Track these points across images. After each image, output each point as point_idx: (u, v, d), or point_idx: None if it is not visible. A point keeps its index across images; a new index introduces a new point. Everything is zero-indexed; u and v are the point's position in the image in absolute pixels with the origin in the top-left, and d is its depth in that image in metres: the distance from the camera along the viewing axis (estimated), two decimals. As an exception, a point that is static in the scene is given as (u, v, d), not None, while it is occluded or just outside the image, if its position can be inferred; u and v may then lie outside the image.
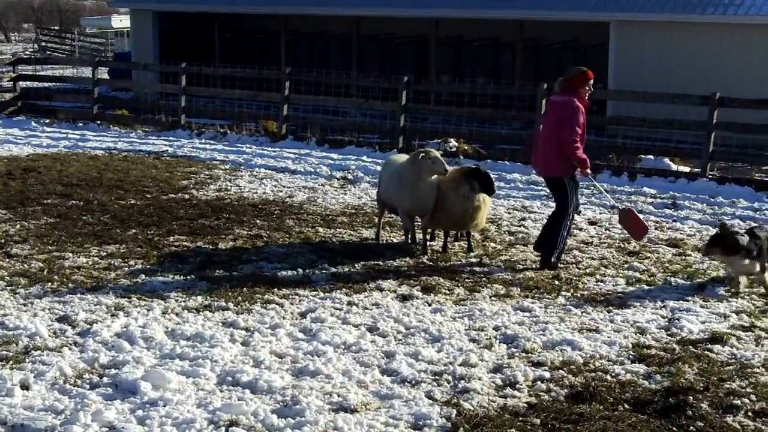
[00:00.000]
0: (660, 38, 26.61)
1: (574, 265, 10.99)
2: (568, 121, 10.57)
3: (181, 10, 35.71)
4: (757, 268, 9.76)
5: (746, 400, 6.92)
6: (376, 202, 12.75)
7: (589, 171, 10.91)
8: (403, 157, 12.08)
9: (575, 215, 11.42)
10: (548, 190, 11.78)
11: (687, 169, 17.68)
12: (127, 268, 10.44)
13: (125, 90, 32.48)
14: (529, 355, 7.93)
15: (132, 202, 14.05)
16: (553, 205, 11.25)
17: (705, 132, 17.07)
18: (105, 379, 7.21)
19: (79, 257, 10.86)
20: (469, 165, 12.21)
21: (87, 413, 6.53)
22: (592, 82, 10.90)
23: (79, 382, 7.19)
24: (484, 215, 11.49)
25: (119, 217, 12.92)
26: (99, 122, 23.64)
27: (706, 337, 8.41)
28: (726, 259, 9.77)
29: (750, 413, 6.74)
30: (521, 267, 10.89)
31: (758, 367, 7.67)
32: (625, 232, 11.60)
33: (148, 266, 10.53)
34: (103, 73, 32.97)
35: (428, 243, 11.61)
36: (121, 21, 50.00)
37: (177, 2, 35.49)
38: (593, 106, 23.78)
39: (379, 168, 17.37)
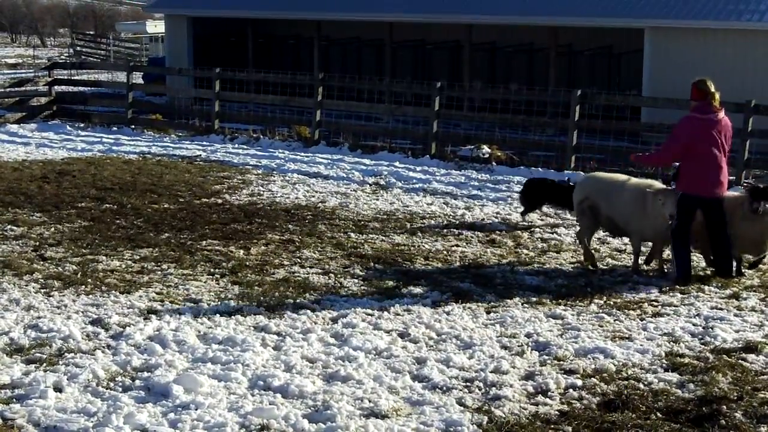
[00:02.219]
0: (695, 45, 26.44)
1: (608, 273, 10.93)
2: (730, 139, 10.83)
3: (215, 16, 35.85)
4: None
5: (781, 410, 6.86)
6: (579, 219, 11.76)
7: None
8: (621, 178, 11.86)
9: None
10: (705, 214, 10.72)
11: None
12: (159, 272, 10.48)
13: (159, 95, 32.61)
14: (561, 362, 7.89)
15: (165, 206, 14.12)
16: None
17: (740, 139, 16.94)
18: (137, 382, 7.24)
19: (112, 260, 10.92)
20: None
21: (119, 416, 6.56)
22: None
23: (111, 384, 7.23)
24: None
25: (152, 221, 12.98)
26: (133, 126, 23.78)
27: (740, 346, 8.34)
28: None
29: (785, 423, 6.68)
30: (554, 274, 10.85)
31: (793, 377, 7.59)
32: None
33: (181, 270, 10.57)
34: (137, 78, 33.07)
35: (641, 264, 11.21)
36: (155, 26, 50.26)
37: (211, 7, 35.64)
38: (627, 112, 23.74)
39: (411, 174, 17.40)
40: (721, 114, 10.66)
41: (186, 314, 8.93)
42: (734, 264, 10.81)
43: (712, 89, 10.61)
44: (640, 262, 11.15)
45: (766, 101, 18.10)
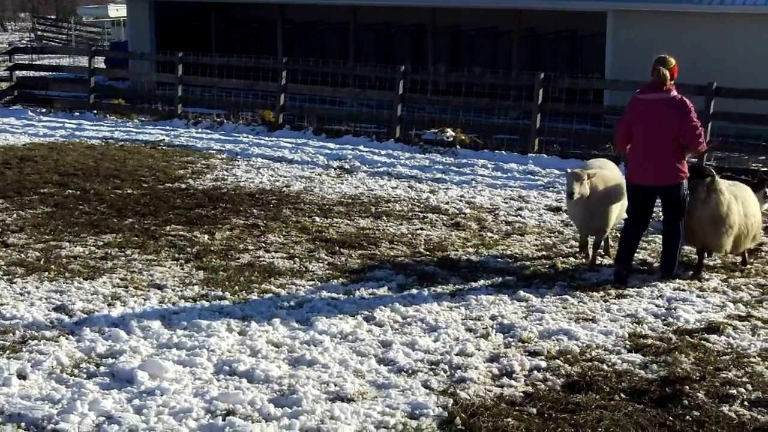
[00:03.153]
0: (657, 28, 26.57)
1: (572, 256, 10.99)
2: (691, 115, 9.82)
3: (178, -1, 35.62)
4: None
5: (742, 390, 6.93)
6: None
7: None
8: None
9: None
10: (645, 203, 10.11)
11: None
12: (123, 258, 10.44)
13: (122, 79, 32.39)
14: (526, 344, 7.94)
15: (129, 191, 14.04)
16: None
17: (702, 122, 17.04)
18: (102, 369, 7.22)
19: (75, 247, 10.86)
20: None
21: (84, 402, 6.54)
22: None
23: (75, 371, 7.20)
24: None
25: (116, 207, 12.91)
26: (95, 112, 23.60)
27: (702, 326, 8.43)
28: None
29: (746, 402, 6.76)
30: (518, 257, 10.90)
31: (754, 357, 7.68)
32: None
33: (145, 256, 10.52)
34: (99, 63, 32.84)
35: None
36: (117, 10, 49.88)
37: (173, -9, 35.39)
38: (590, 95, 23.85)
39: (376, 157, 17.40)
40: (666, 94, 9.82)
41: (150, 300, 8.91)
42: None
43: (660, 66, 9.85)
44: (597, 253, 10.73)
45: (728, 84, 18.23)
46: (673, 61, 9.98)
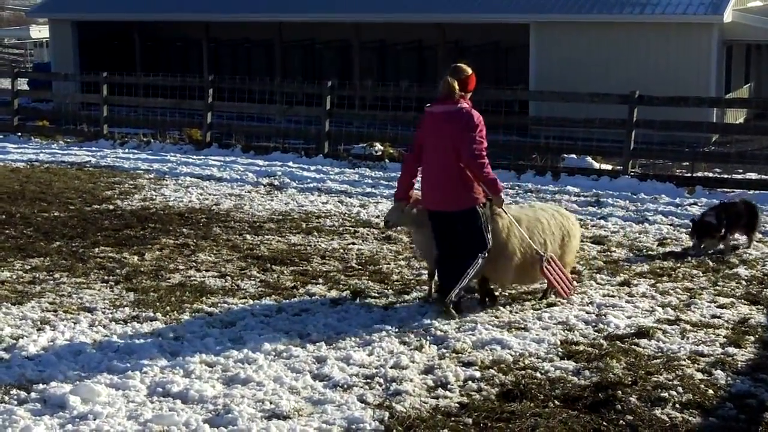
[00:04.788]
0: (579, 38, 26.96)
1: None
2: (472, 134, 8.75)
3: (100, 19, 35.35)
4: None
5: (674, 393, 7.03)
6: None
7: (503, 194, 9.05)
8: None
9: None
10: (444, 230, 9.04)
11: (609, 167, 17.97)
12: (52, 282, 10.29)
13: (46, 101, 32.07)
14: (460, 355, 7.97)
15: (55, 214, 13.86)
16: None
17: (625, 130, 17.32)
18: (33, 395, 7.10)
19: (2, 271, 10.68)
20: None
21: (15, 429, 6.42)
22: None
23: (6, 398, 7.07)
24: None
25: (43, 230, 12.74)
26: (19, 134, 23.31)
27: (632, 331, 8.53)
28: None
29: (678, 405, 6.85)
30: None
31: (684, 360, 7.79)
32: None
33: (74, 279, 10.39)
34: (22, 84, 32.47)
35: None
36: (39, 31, 49.38)
37: (95, 11, 35.10)
38: (516, 106, 24.12)
39: (305, 173, 17.39)
40: (452, 106, 8.84)
41: (81, 323, 8.78)
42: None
43: (448, 76, 8.89)
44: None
45: (650, 92, 18.54)
46: (468, 71, 8.98)
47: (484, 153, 8.77)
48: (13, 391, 7.18)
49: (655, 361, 7.79)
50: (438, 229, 9.03)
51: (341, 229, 13.03)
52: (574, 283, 9.76)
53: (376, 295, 9.81)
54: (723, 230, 11.54)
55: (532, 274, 9.35)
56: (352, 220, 13.65)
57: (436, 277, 9.44)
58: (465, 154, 8.67)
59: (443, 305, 8.92)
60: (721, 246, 11.62)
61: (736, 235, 11.98)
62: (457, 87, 8.81)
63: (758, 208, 12.30)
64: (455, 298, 8.95)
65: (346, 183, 16.75)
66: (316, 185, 16.50)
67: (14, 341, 8.29)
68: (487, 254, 8.93)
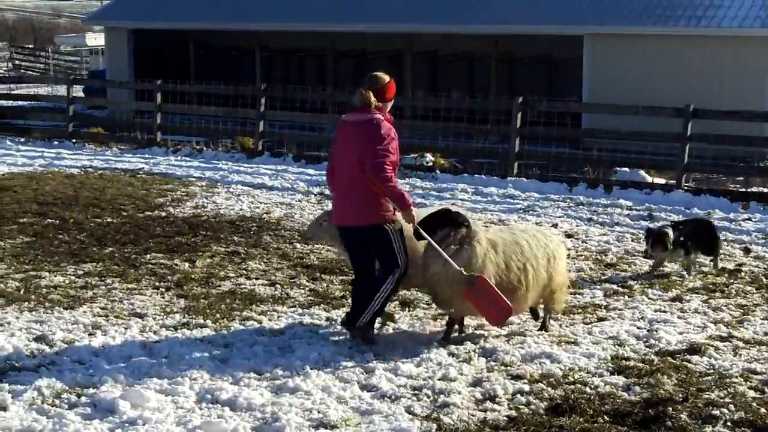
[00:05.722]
0: (633, 51, 26.77)
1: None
2: (377, 146, 8.26)
3: (155, 28, 35.68)
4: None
5: (725, 410, 6.94)
6: None
7: (413, 210, 8.46)
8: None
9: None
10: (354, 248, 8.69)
11: (662, 181, 17.80)
12: (104, 287, 10.39)
13: (100, 108, 32.40)
14: (508, 368, 7.93)
15: (108, 220, 13.99)
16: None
17: (679, 144, 17.16)
18: (83, 399, 7.17)
19: (55, 276, 10.80)
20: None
21: (65, 433, 6.49)
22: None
23: (57, 402, 7.14)
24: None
25: (96, 236, 12.86)
26: (74, 140, 23.57)
27: (684, 347, 8.44)
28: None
29: (728, 423, 6.77)
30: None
31: (736, 377, 7.70)
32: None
33: (126, 284, 10.47)
34: (78, 92, 32.84)
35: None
36: (95, 39, 49.92)
37: (151, 19, 35.46)
38: (568, 118, 24.01)
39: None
40: (364, 115, 8.39)
41: (131, 329, 8.85)
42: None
43: (362, 86, 8.49)
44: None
45: (704, 105, 18.36)
46: (386, 79, 8.54)
47: (389, 167, 8.26)
48: (64, 395, 7.24)
49: (706, 378, 7.71)
50: (347, 246, 8.68)
51: (391, 239, 13.00)
52: (513, 312, 8.58)
53: (425, 306, 9.79)
54: (681, 246, 11.06)
55: (518, 303, 8.62)
56: (402, 230, 13.61)
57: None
58: (368, 166, 8.21)
59: (354, 330, 8.52)
60: (680, 262, 11.28)
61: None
62: (372, 97, 8.38)
63: (717, 229, 11.95)
64: (367, 322, 8.46)
65: (397, 193, 16.72)
66: (367, 195, 16.49)
67: (66, 345, 8.38)
68: (400, 276, 8.41)
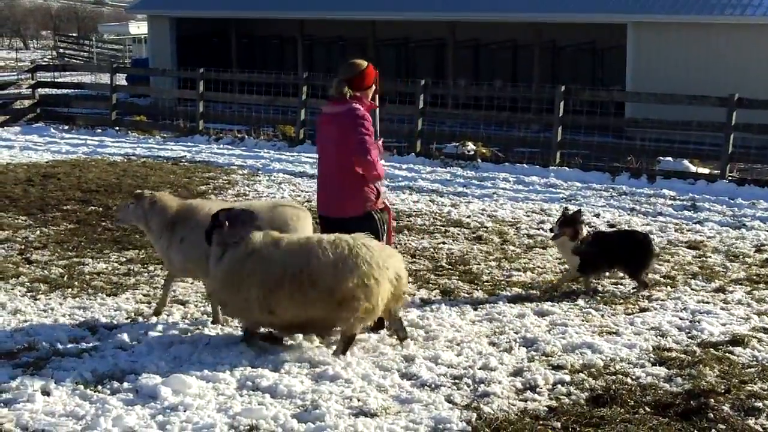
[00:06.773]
0: (677, 39, 26.53)
1: (594, 268, 10.93)
2: (359, 135, 8.20)
3: (198, 16, 35.84)
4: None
5: (768, 403, 6.88)
6: None
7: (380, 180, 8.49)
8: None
9: None
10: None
11: (706, 171, 17.63)
12: (146, 274, 10.46)
13: (143, 96, 32.59)
14: (549, 358, 7.90)
15: (151, 207, 14.05)
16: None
17: (724, 134, 17.00)
18: (125, 385, 7.22)
19: (98, 263, 10.89)
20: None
21: (107, 418, 6.54)
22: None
23: (99, 387, 7.20)
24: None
25: (138, 223, 12.92)
26: (117, 128, 23.73)
27: (726, 339, 8.36)
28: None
29: (772, 416, 6.70)
30: (540, 270, 10.87)
31: (780, 369, 7.62)
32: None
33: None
34: (121, 80, 33.05)
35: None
36: (138, 27, 50.21)
37: (193, 8, 35.61)
38: (611, 107, 23.86)
39: (397, 171, 17.39)
40: (343, 106, 8.27)
41: (173, 315, 8.92)
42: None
43: (337, 77, 8.38)
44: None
45: (749, 94, 18.16)
46: (362, 65, 8.39)
47: (372, 146, 8.29)
48: (106, 381, 7.30)
49: (749, 369, 7.63)
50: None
51: (432, 228, 13.01)
52: None
53: (466, 295, 9.78)
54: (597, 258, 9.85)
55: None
56: (443, 219, 13.62)
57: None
58: (354, 148, 8.16)
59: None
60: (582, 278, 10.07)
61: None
62: (346, 88, 8.25)
63: (650, 242, 10.27)
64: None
65: (438, 182, 16.73)
66: (408, 183, 16.51)
67: (108, 332, 8.45)
68: None
